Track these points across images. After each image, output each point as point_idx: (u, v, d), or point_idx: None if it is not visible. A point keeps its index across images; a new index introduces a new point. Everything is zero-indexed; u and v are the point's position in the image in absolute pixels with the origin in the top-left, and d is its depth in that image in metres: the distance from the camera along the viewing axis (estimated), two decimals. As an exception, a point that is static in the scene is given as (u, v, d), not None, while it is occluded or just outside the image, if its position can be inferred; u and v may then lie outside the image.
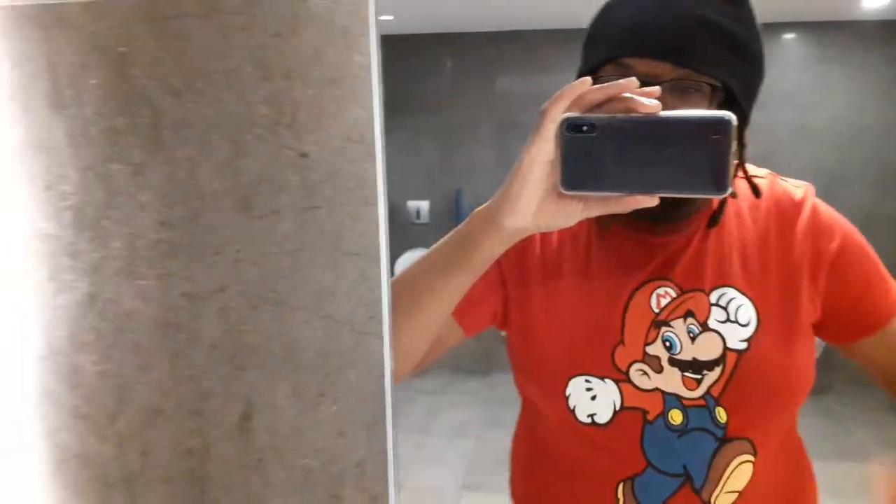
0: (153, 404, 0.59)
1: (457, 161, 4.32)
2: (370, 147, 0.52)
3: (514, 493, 0.94)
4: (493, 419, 3.76)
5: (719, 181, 0.55)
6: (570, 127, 0.59)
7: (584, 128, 0.58)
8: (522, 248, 0.85)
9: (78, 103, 0.56)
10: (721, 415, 0.76)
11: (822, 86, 3.92)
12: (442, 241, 0.76)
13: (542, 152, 0.61)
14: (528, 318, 0.85)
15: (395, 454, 0.56)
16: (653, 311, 0.78)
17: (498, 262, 0.82)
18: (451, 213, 4.25)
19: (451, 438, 3.57)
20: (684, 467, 0.77)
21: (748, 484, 0.77)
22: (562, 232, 0.85)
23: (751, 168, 0.81)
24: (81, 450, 0.60)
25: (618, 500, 0.80)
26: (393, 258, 4.47)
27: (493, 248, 0.69)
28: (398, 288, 0.76)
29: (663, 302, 0.78)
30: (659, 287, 0.79)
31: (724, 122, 0.55)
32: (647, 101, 0.57)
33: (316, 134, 0.54)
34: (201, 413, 0.59)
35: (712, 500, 0.77)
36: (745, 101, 0.74)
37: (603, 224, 0.83)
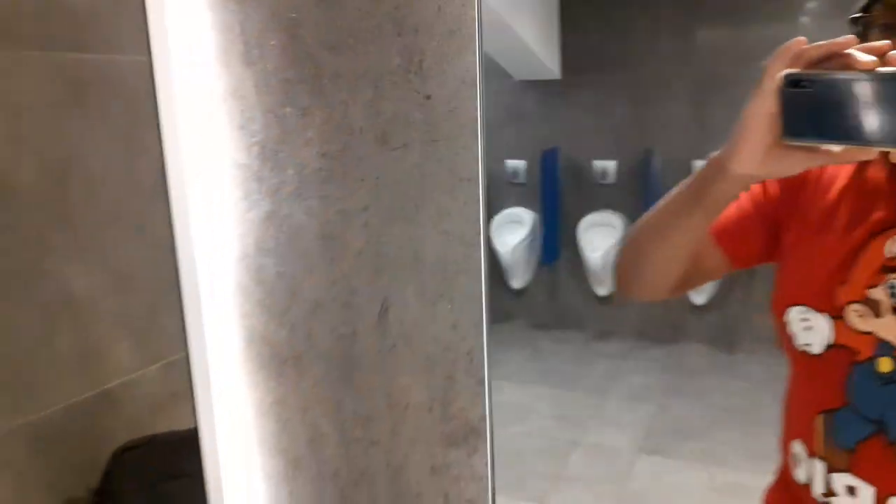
0: (316, 299, 0.75)
1: (648, 119, 4.21)
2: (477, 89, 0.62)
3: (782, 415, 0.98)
4: (676, 386, 3.70)
5: None
6: (790, 83, 0.63)
7: (803, 83, 0.63)
8: (799, 185, 0.89)
9: (262, 60, 0.73)
10: None
11: None
12: (683, 181, 0.86)
13: (763, 106, 0.66)
14: (785, 252, 0.89)
15: (488, 351, 0.66)
16: (885, 256, 0.78)
17: (775, 196, 0.90)
18: (639, 174, 4.18)
19: (630, 402, 3.58)
20: (881, 416, 0.77)
21: None
22: (835, 172, 0.87)
23: None
24: (264, 332, 0.78)
25: (815, 429, 0.82)
26: (578, 218, 4.47)
27: (725, 192, 0.76)
28: (647, 219, 0.91)
29: None
30: None
31: None
32: (865, 57, 0.60)
33: (437, 79, 0.65)
34: (351, 306, 0.73)
35: None
36: None
37: (862, 167, 0.84)
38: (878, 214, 0.79)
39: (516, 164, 4.58)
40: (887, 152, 0.78)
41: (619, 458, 3.04)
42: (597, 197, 4.41)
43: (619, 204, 4.37)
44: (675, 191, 0.86)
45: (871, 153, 0.63)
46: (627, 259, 0.96)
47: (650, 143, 4.17)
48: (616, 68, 4.24)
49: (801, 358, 0.83)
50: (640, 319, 4.41)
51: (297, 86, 0.72)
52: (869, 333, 0.77)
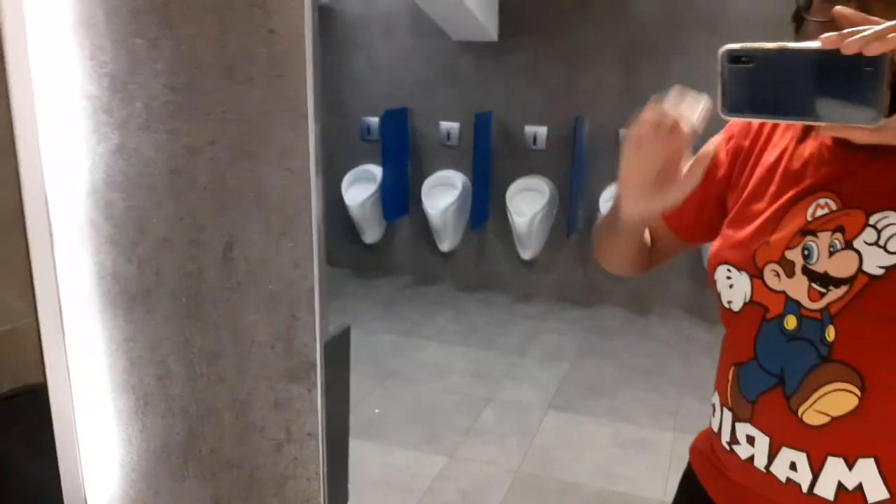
0: (164, 234, 0.74)
1: (580, 86, 4.25)
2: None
3: None
4: (590, 347, 3.83)
5: (872, 111, 0.58)
6: (731, 59, 0.63)
7: (743, 59, 0.62)
8: (744, 156, 0.92)
9: (109, -14, 0.71)
10: (830, 333, 0.76)
11: None
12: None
13: (628, 164, 0.76)
14: (726, 219, 0.92)
15: (322, 290, 0.68)
16: (806, 219, 0.79)
17: (721, 170, 0.94)
18: (569, 140, 4.23)
19: (545, 361, 3.70)
20: (781, 370, 0.79)
21: (848, 416, 0.75)
22: (775, 143, 0.89)
23: None
24: (114, 269, 0.77)
25: (729, 380, 0.87)
26: (507, 183, 4.51)
27: (631, 225, 0.87)
28: (600, 219, 1.02)
29: (819, 213, 0.79)
30: (822, 198, 0.80)
31: (877, 55, 0.56)
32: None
33: (280, 13, 0.65)
34: (197, 243, 0.73)
35: (800, 412, 0.78)
36: None
37: (800, 139, 0.86)
38: (806, 181, 0.81)
39: (450, 126, 4.57)
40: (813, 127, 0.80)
41: (530, 413, 3.14)
42: (527, 162, 4.45)
43: (548, 170, 4.42)
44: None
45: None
46: (596, 247, 1.06)
47: (580, 111, 4.22)
48: (552, 33, 4.25)
49: (725, 314, 0.87)
50: (561, 283, 4.52)
51: (146, 15, 0.70)
52: (781, 292, 0.80)
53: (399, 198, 4.65)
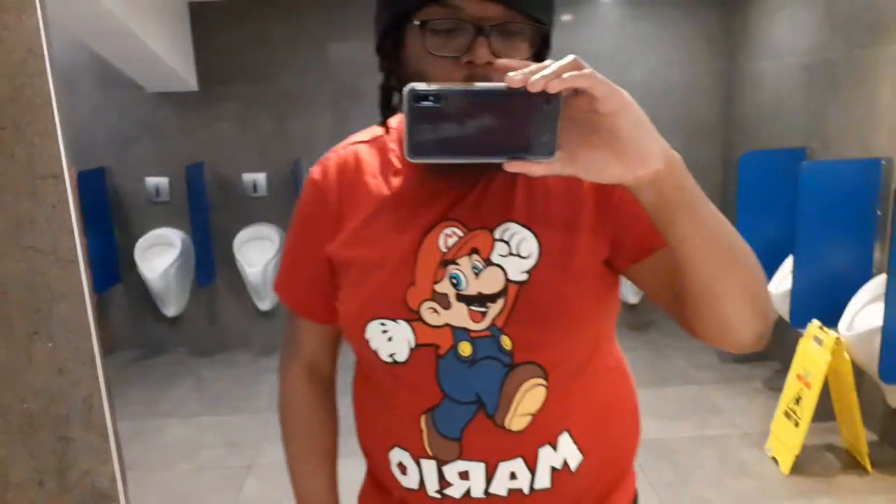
0: None
1: (294, 130, 4.20)
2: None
3: (357, 430, 0.96)
4: (342, 388, 3.77)
5: (550, 145, 0.60)
6: (416, 97, 0.59)
7: (430, 98, 0.59)
8: (333, 210, 0.89)
9: None
10: (506, 342, 0.80)
11: (637, 45, 4.20)
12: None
13: None
14: (339, 274, 0.88)
15: (109, 390, 0.54)
16: (441, 251, 0.82)
17: (315, 233, 0.89)
18: (289, 184, 4.15)
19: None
20: (477, 395, 0.81)
21: (542, 406, 0.82)
22: (366, 188, 0.88)
23: None
24: None
25: (421, 430, 0.83)
26: (232, 234, 4.27)
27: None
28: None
29: (450, 242, 0.82)
30: (447, 227, 0.82)
31: (555, 93, 0.58)
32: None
33: (-4, 50, 0.50)
34: None
35: (506, 423, 0.82)
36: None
37: (398, 172, 0.86)
38: (425, 215, 0.84)
39: (157, 181, 4.21)
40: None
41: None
42: (249, 210, 4.27)
43: (272, 216, 4.29)
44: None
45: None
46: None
47: (297, 154, 4.18)
48: (257, 80, 4.16)
49: (388, 369, 0.84)
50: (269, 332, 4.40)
51: None
52: (445, 326, 0.82)
53: (107, 266, 4.14)
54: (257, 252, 4.13)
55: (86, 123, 4.13)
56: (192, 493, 2.85)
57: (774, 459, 2.87)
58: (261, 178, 4.24)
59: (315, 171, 0.92)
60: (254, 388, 3.88)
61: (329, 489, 0.99)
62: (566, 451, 0.85)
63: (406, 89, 0.60)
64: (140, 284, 4.18)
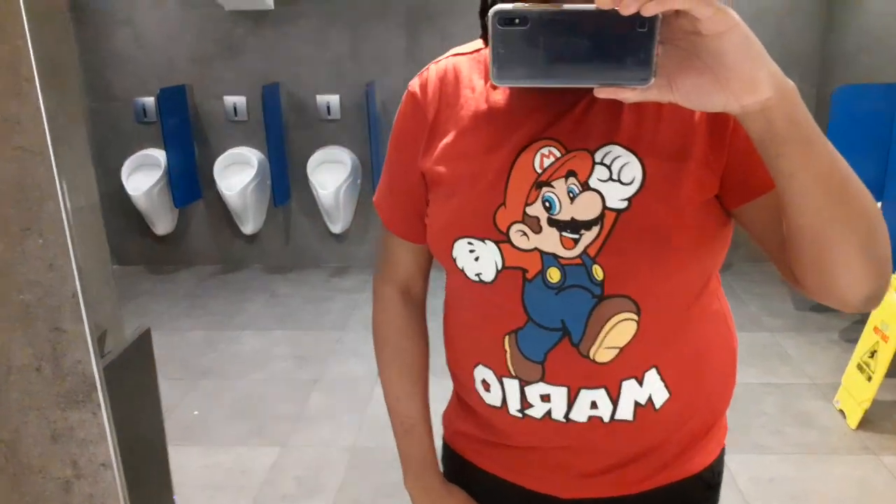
0: None
1: (367, 51, 4.18)
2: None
3: (445, 347, 0.97)
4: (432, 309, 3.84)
5: (644, 71, 0.57)
6: (502, 20, 0.58)
7: (516, 20, 0.57)
8: (431, 122, 0.86)
9: None
10: (598, 273, 0.77)
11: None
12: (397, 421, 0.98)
13: None
14: (436, 190, 0.86)
15: (83, 290, 0.56)
16: (535, 172, 0.78)
17: (412, 145, 0.87)
18: (361, 108, 4.15)
19: (367, 333, 3.63)
20: (562, 322, 0.79)
21: (631, 340, 0.79)
22: (464, 101, 0.84)
23: None
24: None
25: (505, 350, 0.83)
26: (306, 156, 4.35)
27: None
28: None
29: (546, 162, 0.78)
30: (544, 146, 0.78)
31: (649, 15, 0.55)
32: None
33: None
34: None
35: (591, 354, 0.79)
36: None
37: (490, 92, 0.82)
38: (520, 131, 0.79)
39: (235, 99, 4.30)
40: None
41: (359, 387, 3.09)
42: (323, 133, 4.32)
43: (345, 139, 4.33)
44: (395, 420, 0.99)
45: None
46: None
47: (370, 76, 4.16)
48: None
49: (475, 288, 0.83)
50: (371, 252, 4.49)
51: None
52: (534, 250, 0.78)
53: (188, 182, 4.31)
54: (330, 175, 4.20)
55: (167, 41, 4.23)
56: (261, 401, 3.02)
57: (842, 412, 2.76)
58: (334, 100, 4.26)
59: (413, 84, 0.88)
60: (324, 305, 4.01)
61: (422, 409, 1.00)
62: (652, 388, 0.82)
63: (491, 11, 0.58)
64: (219, 201, 4.35)
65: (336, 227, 4.25)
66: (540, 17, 0.57)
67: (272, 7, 4.09)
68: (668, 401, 0.83)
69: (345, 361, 3.36)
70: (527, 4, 0.58)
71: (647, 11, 0.53)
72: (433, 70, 0.88)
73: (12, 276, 0.56)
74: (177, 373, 3.26)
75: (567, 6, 0.58)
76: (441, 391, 1.04)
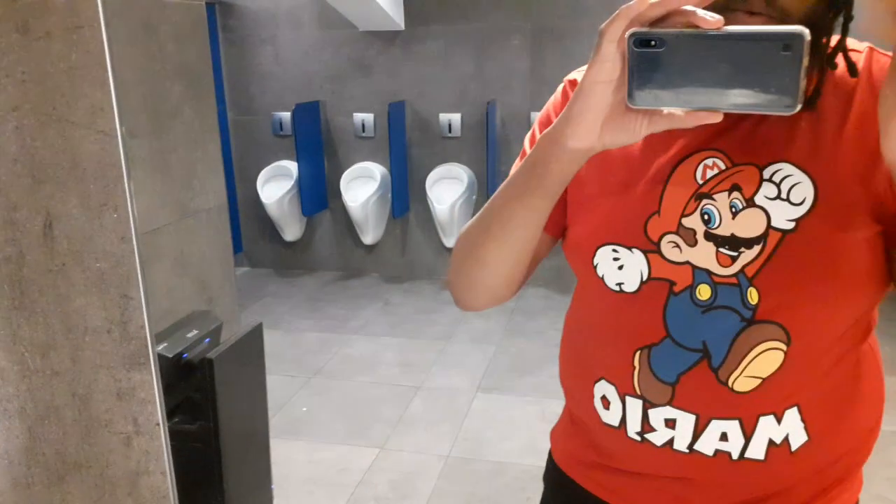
0: (-25, 217, 0.67)
1: (489, 71, 4.25)
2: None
3: (560, 363, 0.94)
4: (515, 328, 3.84)
5: (789, 98, 0.54)
6: (638, 42, 0.57)
7: (653, 43, 0.56)
8: None
9: None
10: (752, 295, 0.71)
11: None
12: (518, 167, 0.76)
13: (602, 73, 0.60)
14: (579, 191, 0.83)
15: (143, 263, 0.62)
16: (696, 182, 0.74)
17: None
18: (483, 126, 4.22)
19: (472, 345, 3.68)
20: (703, 343, 0.74)
21: (775, 372, 0.73)
22: None
23: (850, 42, 0.72)
24: (-75, 258, 0.69)
25: (634, 366, 0.78)
26: (426, 171, 4.47)
27: (563, 170, 0.69)
28: (486, 217, 0.79)
29: (709, 174, 0.73)
30: (707, 158, 0.74)
31: (795, 37, 0.52)
32: (710, 15, 0.55)
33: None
34: (14, 223, 0.66)
35: (730, 381, 0.74)
36: None
37: None
38: (680, 141, 0.75)
39: (364, 117, 4.51)
40: None
41: (459, 398, 3.12)
42: (443, 150, 4.43)
43: (464, 156, 4.41)
44: (507, 182, 0.78)
45: (717, 117, 0.58)
46: (461, 267, 0.87)
47: (491, 96, 4.22)
48: (459, 19, 4.23)
49: (612, 298, 0.79)
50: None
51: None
52: (685, 263, 0.74)
53: (317, 192, 4.55)
54: (447, 190, 4.29)
55: (305, 59, 4.51)
56: (365, 404, 3.12)
57: None
58: (456, 118, 4.36)
59: (572, 75, 0.86)
60: (433, 316, 4.09)
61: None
62: (791, 428, 0.75)
63: (628, 33, 0.57)
64: (343, 212, 4.56)
65: (450, 241, 4.33)
66: (677, 40, 0.55)
67: (403, 28, 4.26)
68: (805, 444, 0.76)
69: (447, 372, 3.41)
70: (663, 28, 0.56)
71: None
72: None
73: (92, 246, 0.63)
74: (291, 370, 3.44)
75: (702, 30, 0.55)
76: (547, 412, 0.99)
